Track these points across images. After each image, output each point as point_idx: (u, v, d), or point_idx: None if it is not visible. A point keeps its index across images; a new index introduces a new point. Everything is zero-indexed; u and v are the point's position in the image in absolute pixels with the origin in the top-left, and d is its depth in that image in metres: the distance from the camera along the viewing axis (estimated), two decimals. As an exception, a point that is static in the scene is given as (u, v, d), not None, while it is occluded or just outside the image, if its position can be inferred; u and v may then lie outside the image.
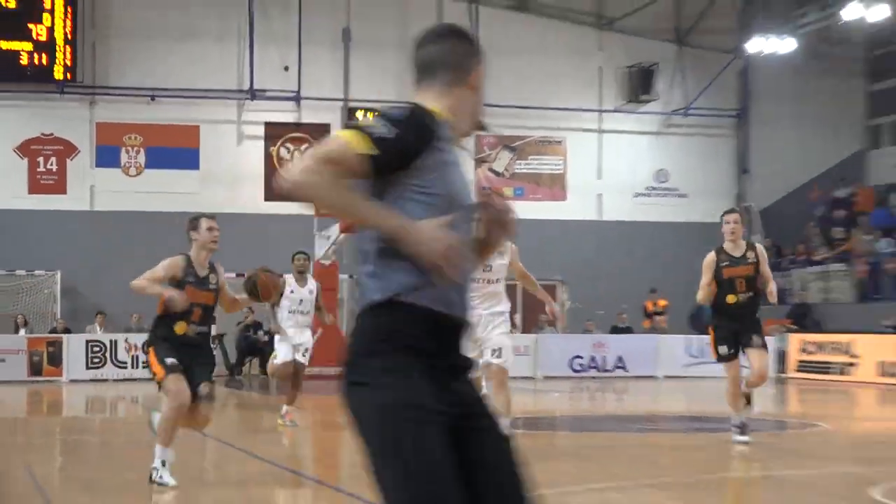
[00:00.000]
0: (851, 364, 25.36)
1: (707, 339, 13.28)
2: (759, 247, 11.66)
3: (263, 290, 9.46)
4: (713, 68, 30.79)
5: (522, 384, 23.75)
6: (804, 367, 26.79)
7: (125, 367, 26.31)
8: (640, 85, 30.41)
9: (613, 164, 30.97)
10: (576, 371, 26.61)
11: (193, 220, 9.26)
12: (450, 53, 3.54)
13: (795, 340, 27.51)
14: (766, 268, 10.83)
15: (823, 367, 26.22)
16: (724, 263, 10.82)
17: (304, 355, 13.53)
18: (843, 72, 31.45)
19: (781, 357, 26.92)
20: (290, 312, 13.42)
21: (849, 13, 26.34)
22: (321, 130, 29.18)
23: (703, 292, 10.91)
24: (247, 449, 13.09)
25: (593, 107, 30.88)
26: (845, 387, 24.55)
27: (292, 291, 13.33)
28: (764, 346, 10.83)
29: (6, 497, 9.00)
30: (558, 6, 30.68)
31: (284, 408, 13.42)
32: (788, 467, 10.87)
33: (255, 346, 27.27)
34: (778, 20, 29.75)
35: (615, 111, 31.09)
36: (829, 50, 30.18)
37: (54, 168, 28.99)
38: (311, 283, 13.94)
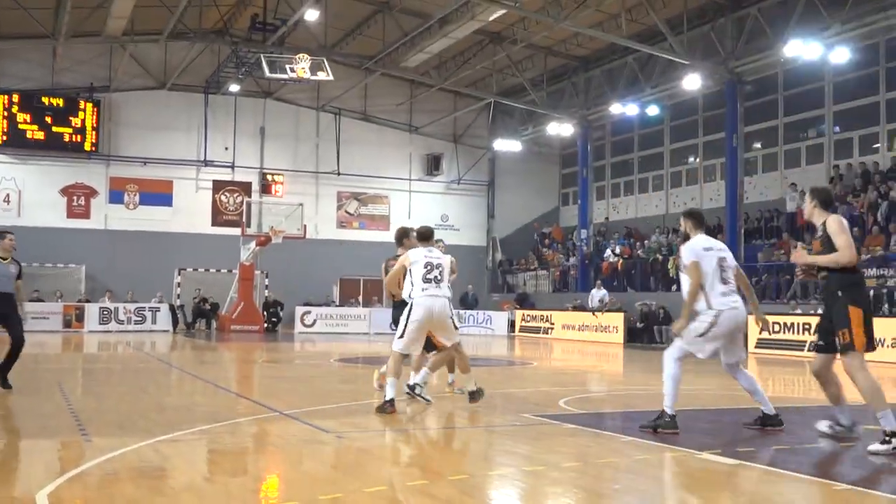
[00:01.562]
0: (550, 328, 30.83)
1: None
2: None
3: None
4: (475, 156, 39.03)
5: (361, 337, 29.34)
6: (524, 329, 32.08)
7: (123, 324, 30.62)
8: (433, 165, 38.17)
9: (418, 210, 37.40)
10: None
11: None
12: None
13: (520, 314, 32.98)
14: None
15: (535, 329, 31.36)
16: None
17: None
18: (547, 161, 39.15)
19: (512, 324, 32.67)
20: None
21: (550, 129, 34.35)
22: (246, 186, 35.87)
23: None
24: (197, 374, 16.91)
25: (405, 177, 38.19)
26: (546, 341, 29.05)
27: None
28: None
29: (43, 405, 9.44)
30: (386, 118, 37.70)
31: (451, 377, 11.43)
32: (513, 387, 11.96)
33: (203, 311, 32.61)
34: (511, 131, 37.50)
35: (419, 180, 38.32)
36: (539, 149, 38.12)
37: (83, 203, 34.12)
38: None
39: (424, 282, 9.71)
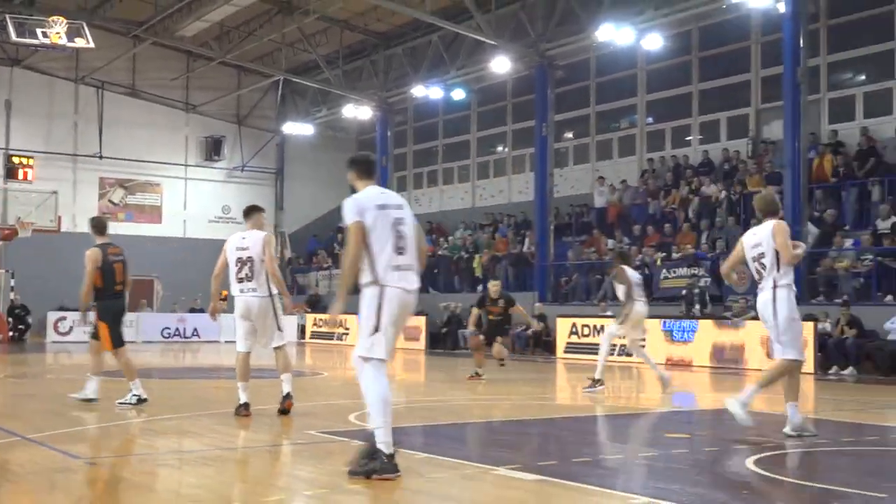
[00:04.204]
0: (345, 333, 30.73)
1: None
2: None
3: None
4: (261, 141, 38.87)
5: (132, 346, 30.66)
6: (316, 335, 32.06)
7: None
8: (212, 149, 37.86)
9: (195, 200, 37.79)
10: (165, 338, 31.85)
11: None
12: None
13: (311, 318, 32.88)
14: None
15: (329, 335, 31.31)
16: None
17: None
18: (342, 148, 37.82)
19: (303, 329, 32.67)
20: None
21: (347, 112, 34.47)
22: None
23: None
24: None
25: (181, 162, 37.87)
26: (340, 348, 28.75)
27: None
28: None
29: None
30: (159, 95, 37.21)
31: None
32: (300, 401, 11.27)
33: None
34: (302, 113, 37.60)
35: (196, 166, 38.04)
36: (335, 133, 38.55)
37: None
38: None
39: (238, 281, 10.25)
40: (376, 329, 6.75)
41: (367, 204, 6.85)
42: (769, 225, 9.11)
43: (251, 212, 10.81)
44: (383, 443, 6.65)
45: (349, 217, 6.81)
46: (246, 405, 10.21)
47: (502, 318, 16.72)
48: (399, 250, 6.83)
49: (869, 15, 23.08)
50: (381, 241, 6.78)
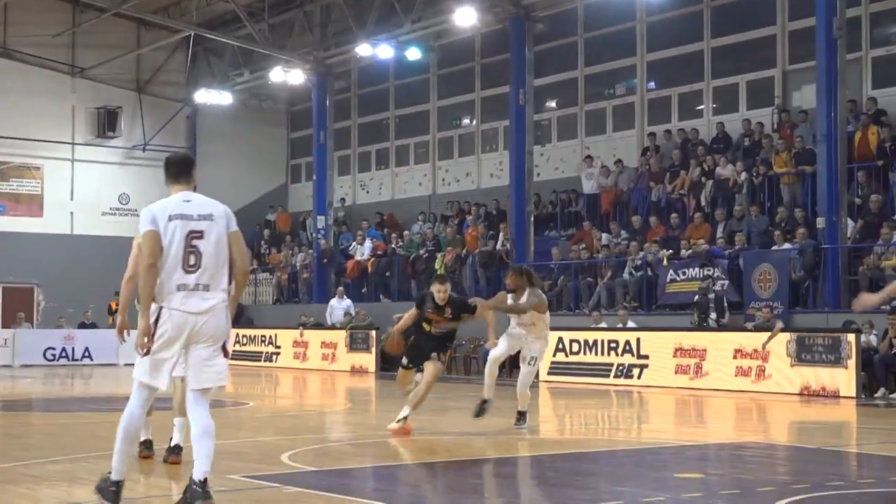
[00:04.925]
0: (276, 353, 31.38)
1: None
2: None
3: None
4: (167, 113, 38.39)
5: (1, 371, 27.86)
6: (238, 355, 30.65)
7: None
8: (106, 123, 37.17)
9: (84, 188, 37.27)
10: (49, 360, 31.23)
11: None
12: None
13: (231, 334, 35.81)
14: None
15: (255, 355, 31.87)
16: None
17: None
18: (270, 121, 39.33)
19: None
20: None
21: (275, 76, 33.79)
22: None
23: None
24: None
25: (67, 140, 37.07)
26: (269, 371, 29.53)
27: None
28: None
29: None
30: (37, 55, 36.41)
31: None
32: (221, 438, 9.51)
33: None
34: (220, 77, 37.23)
35: (86, 144, 37.35)
36: (259, 104, 38.39)
37: None
38: None
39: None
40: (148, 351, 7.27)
41: (161, 212, 7.32)
42: None
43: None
44: (114, 469, 7.41)
45: (141, 226, 7.30)
46: (178, 448, 9.88)
47: (444, 335, 13.62)
48: (189, 268, 7.30)
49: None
50: (170, 255, 7.26)
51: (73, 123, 37.96)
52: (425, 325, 13.51)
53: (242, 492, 8.78)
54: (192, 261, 7.27)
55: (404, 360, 13.77)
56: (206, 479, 7.33)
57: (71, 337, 32.51)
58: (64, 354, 32.08)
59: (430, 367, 13.27)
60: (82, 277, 34.42)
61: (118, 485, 7.38)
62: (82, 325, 33.25)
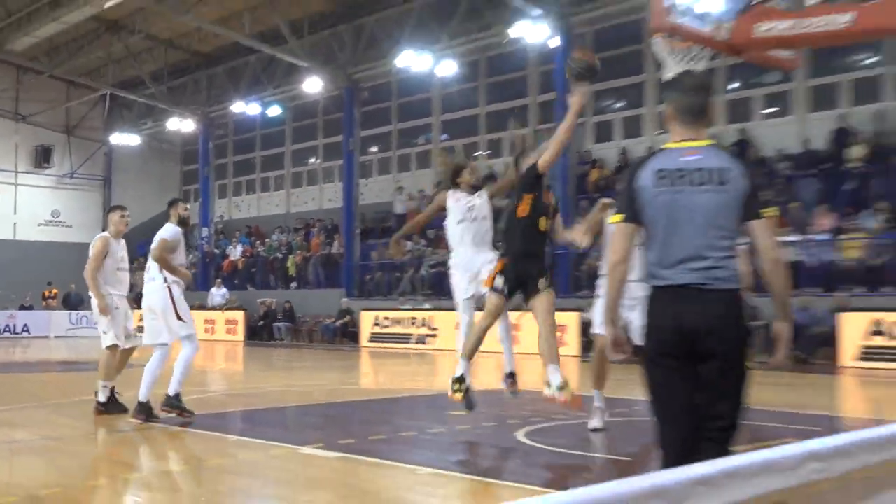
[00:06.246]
0: None
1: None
2: None
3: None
4: (90, 150, 37.22)
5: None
6: (140, 329, 35.34)
7: None
8: (42, 157, 35.95)
9: (25, 205, 35.98)
10: None
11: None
12: None
13: (136, 314, 35.47)
14: None
15: None
16: None
17: None
18: (167, 158, 38.36)
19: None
20: None
21: (171, 125, 33.42)
22: None
23: None
24: None
25: (11, 169, 35.81)
26: None
27: None
28: None
29: None
30: None
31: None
32: (125, 391, 9.79)
33: None
34: (130, 124, 36.21)
35: (27, 172, 36.07)
36: (160, 144, 37.44)
37: None
38: None
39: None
40: None
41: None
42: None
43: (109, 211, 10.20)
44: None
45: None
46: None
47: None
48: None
49: (622, 52, 24.02)
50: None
51: (16, 157, 36.46)
52: (542, 222, 7.23)
53: (140, 432, 8.54)
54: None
55: (499, 283, 7.25)
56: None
57: (13, 316, 31.32)
58: (7, 329, 30.83)
59: (544, 300, 7.23)
60: (22, 272, 33.20)
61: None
62: (22, 308, 32.07)
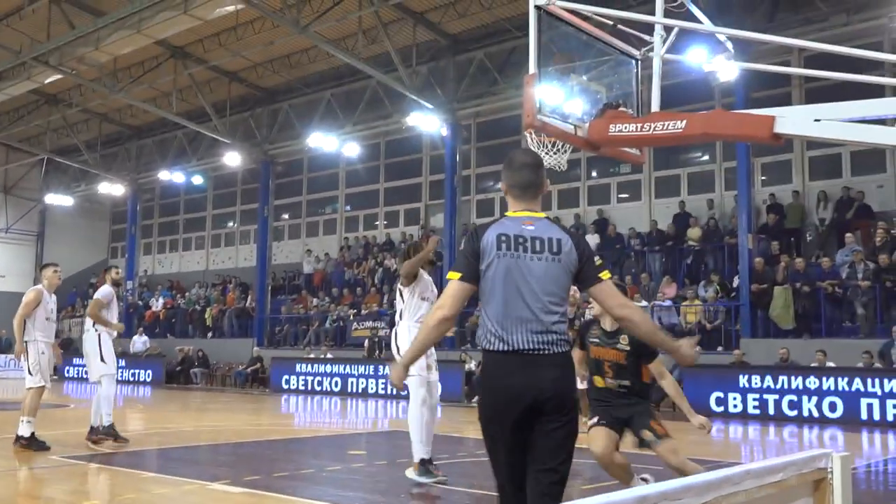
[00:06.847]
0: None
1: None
2: None
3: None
4: (26, 208, 35.76)
5: None
6: (79, 373, 30.83)
7: None
8: None
9: None
10: None
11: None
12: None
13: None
14: None
15: (81, 377, 29.78)
16: None
17: None
18: (98, 217, 36.82)
19: (56, 368, 33.61)
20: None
21: (102, 188, 32.02)
22: None
23: None
24: None
25: None
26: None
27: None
28: None
29: None
30: None
31: None
32: (46, 430, 9.92)
33: None
34: (64, 186, 34.56)
35: None
36: (91, 205, 35.95)
37: None
38: None
39: None
40: None
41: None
42: None
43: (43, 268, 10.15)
44: None
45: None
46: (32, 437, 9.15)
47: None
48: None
49: (501, 142, 24.41)
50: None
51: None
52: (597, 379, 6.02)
53: (62, 468, 8.19)
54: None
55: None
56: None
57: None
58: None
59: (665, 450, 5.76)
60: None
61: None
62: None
